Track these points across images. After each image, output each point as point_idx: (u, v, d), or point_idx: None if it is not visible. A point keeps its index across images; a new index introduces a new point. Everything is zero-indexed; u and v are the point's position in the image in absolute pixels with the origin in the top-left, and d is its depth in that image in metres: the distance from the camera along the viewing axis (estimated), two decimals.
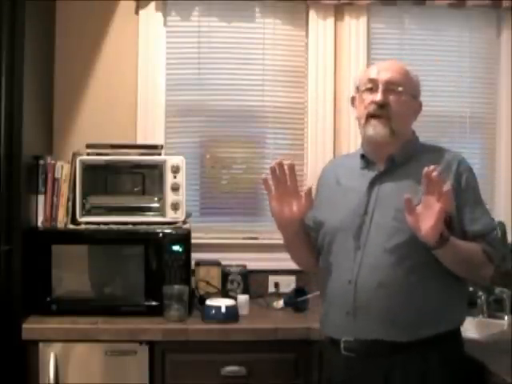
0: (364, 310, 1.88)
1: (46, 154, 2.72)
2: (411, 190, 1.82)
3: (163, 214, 2.69)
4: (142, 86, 3.05)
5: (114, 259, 2.62)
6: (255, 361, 2.42)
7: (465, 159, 1.99)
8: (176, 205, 2.68)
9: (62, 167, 2.66)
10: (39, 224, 2.64)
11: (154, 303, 2.56)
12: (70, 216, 2.66)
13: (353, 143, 3.01)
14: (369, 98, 1.96)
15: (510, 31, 3.17)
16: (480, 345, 2.23)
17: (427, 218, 1.74)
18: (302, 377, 2.43)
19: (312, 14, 3.11)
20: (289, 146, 3.16)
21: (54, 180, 2.65)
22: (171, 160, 2.71)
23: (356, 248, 1.93)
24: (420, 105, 2.04)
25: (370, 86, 1.97)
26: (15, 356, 2.37)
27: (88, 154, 2.73)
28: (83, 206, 2.68)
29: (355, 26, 3.12)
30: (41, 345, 2.39)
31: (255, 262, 2.98)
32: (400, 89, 1.95)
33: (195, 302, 2.69)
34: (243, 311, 2.60)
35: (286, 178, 1.92)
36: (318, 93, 3.12)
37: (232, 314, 2.51)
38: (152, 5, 3.04)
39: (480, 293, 2.66)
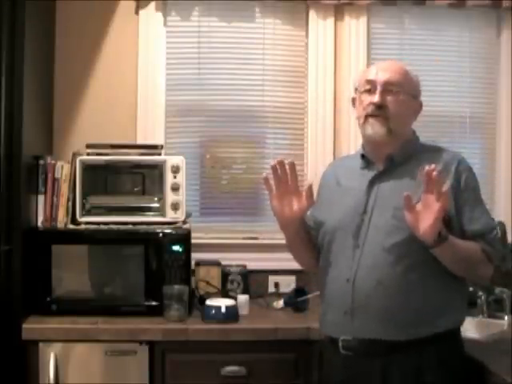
0: (362, 308, 1.88)
1: (45, 154, 2.72)
2: (410, 189, 1.82)
3: (163, 214, 2.69)
4: (142, 86, 3.05)
5: (114, 259, 2.62)
6: (255, 361, 2.42)
7: (464, 159, 1.99)
8: (176, 205, 2.68)
9: (62, 167, 2.66)
10: (39, 224, 2.64)
11: (153, 303, 2.56)
12: (69, 216, 2.66)
13: (353, 143, 3.02)
14: (367, 99, 1.97)
15: (510, 31, 3.17)
16: (480, 345, 2.23)
17: (426, 217, 1.74)
18: (302, 377, 2.43)
19: (312, 14, 3.11)
20: (289, 146, 3.16)
21: (54, 180, 2.65)
22: (171, 160, 2.71)
23: (355, 247, 1.94)
24: (420, 105, 2.04)
25: (368, 87, 1.98)
26: (15, 356, 2.37)
27: (88, 154, 2.73)
28: (83, 206, 2.68)
29: (355, 26, 3.12)
30: (41, 345, 2.39)
31: (255, 261, 2.98)
32: (398, 89, 1.95)
33: (195, 302, 2.69)
34: (243, 311, 2.60)
35: (286, 176, 1.93)
36: (318, 93, 3.12)
37: (232, 314, 2.51)
38: (152, 5, 3.05)
39: (480, 293, 2.66)
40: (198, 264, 2.86)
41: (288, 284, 2.98)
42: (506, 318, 2.62)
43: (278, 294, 2.93)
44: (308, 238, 2.10)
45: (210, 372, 2.41)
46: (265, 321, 2.56)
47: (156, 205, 2.71)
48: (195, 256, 2.73)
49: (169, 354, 2.42)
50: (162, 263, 2.57)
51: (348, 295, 1.90)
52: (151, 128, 3.04)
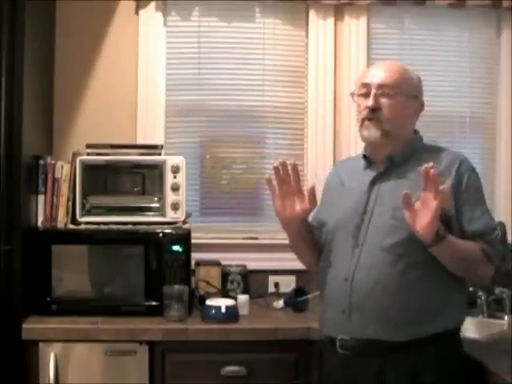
0: (359, 308, 1.89)
1: (46, 154, 2.72)
2: (410, 188, 1.81)
3: (163, 214, 2.69)
4: (142, 86, 3.05)
5: (114, 259, 2.62)
6: (255, 361, 2.42)
7: (467, 159, 1.99)
8: (176, 205, 2.68)
9: (62, 167, 2.66)
10: (39, 224, 2.64)
11: (153, 303, 2.56)
12: (69, 216, 2.66)
13: (353, 143, 3.02)
14: (363, 103, 1.98)
15: (510, 31, 3.17)
16: (480, 345, 2.23)
17: (424, 215, 1.74)
18: (302, 377, 2.43)
19: (312, 14, 3.11)
20: (289, 146, 3.16)
21: (54, 180, 2.65)
22: (171, 160, 2.71)
23: (354, 246, 1.94)
24: (421, 104, 2.04)
25: (363, 90, 1.99)
26: (15, 356, 2.37)
27: (88, 154, 2.73)
28: (83, 206, 2.68)
29: (355, 26, 3.12)
30: (41, 345, 2.39)
31: (255, 261, 2.98)
32: (394, 91, 1.95)
33: (195, 302, 2.69)
34: (243, 311, 2.61)
35: (289, 178, 1.95)
36: (318, 93, 3.12)
37: (232, 314, 2.51)
38: (152, 5, 3.04)
39: (480, 293, 2.66)
40: (197, 264, 2.86)
41: (288, 284, 2.98)
42: (505, 317, 2.62)
43: (278, 294, 2.93)
44: (310, 238, 2.11)
45: (209, 372, 2.41)
46: (265, 321, 2.56)
47: (156, 205, 2.71)
48: (195, 256, 2.73)
49: (169, 354, 2.42)
50: (162, 263, 2.57)
51: (346, 294, 1.91)
52: (151, 128, 3.04)
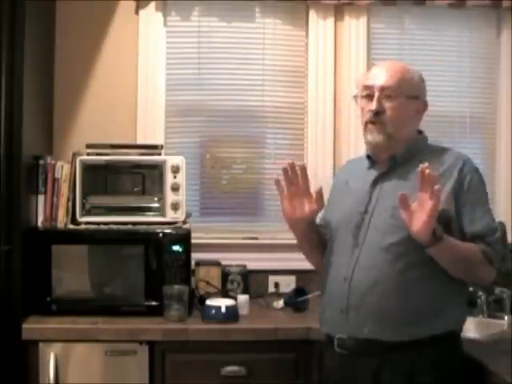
0: (357, 308, 1.89)
1: (45, 154, 2.72)
2: (411, 188, 1.81)
3: (163, 214, 2.69)
4: (142, 86, 3.05)
5: (114, 259, 2.62)
6: (255, 361, 2.42)
7: (470, 160, 1.98)
8: (176, 205, 2.68)
9: (62, 167, 2.66)
10: (39, 224, 2.64)
11: (154, 303, 2.56)
12: (69, 216, 2.66)
13: (353, 143, 3.02)
14: (367, 106, 1.98)
15: (510, 31, 3.17)
16: (480, 345, 2.23)
17: (420, 215, 1.74)
18: (302, 377, 2.44)
19: (312, 13, 3.11)
20: (289, 146, 3.16)
21: (54, 180, 2.65)
22: (171, 160, 2.71)
23: (354, 246, 1.94)
24: (425, 104, 2.03)
25: (366, 93, 1.99)
26: (15, 356, 2.37)
27: (88, 154, 2.73)
28: (83, 205, 2.68)
29: (355, 26, 3.12)
30: (41, 345, 2.39)
31: (255, 261, 2.98)
32: (396, 93, 1.95)
33: (195, 302, 2.69)
34: (243, 311, 2.61)
35: (297, 178, 1.96)
36: (318, 93, 3.12)
37: (232, 313, 2.51)
38: (152, 5, 3.04)
39: (480, 293, 2.66)
40: (197, 264, 2.86)
41: (288, 284, 2.97)
42: (506, 317, 2.62)
43: (278, 294, 2.93)
44: (317, 238, 2.11)
45: (210, 372, 2.41)
46: (265, 321, 2.56)
47: (156, 205, 2.71)
48: (195, 256, 2.73)
49: (169, 354, 2.42)
50: (162, 263, 2.57)
51: (344, 294, 1.91)
52: (151, 128, 3.04)
